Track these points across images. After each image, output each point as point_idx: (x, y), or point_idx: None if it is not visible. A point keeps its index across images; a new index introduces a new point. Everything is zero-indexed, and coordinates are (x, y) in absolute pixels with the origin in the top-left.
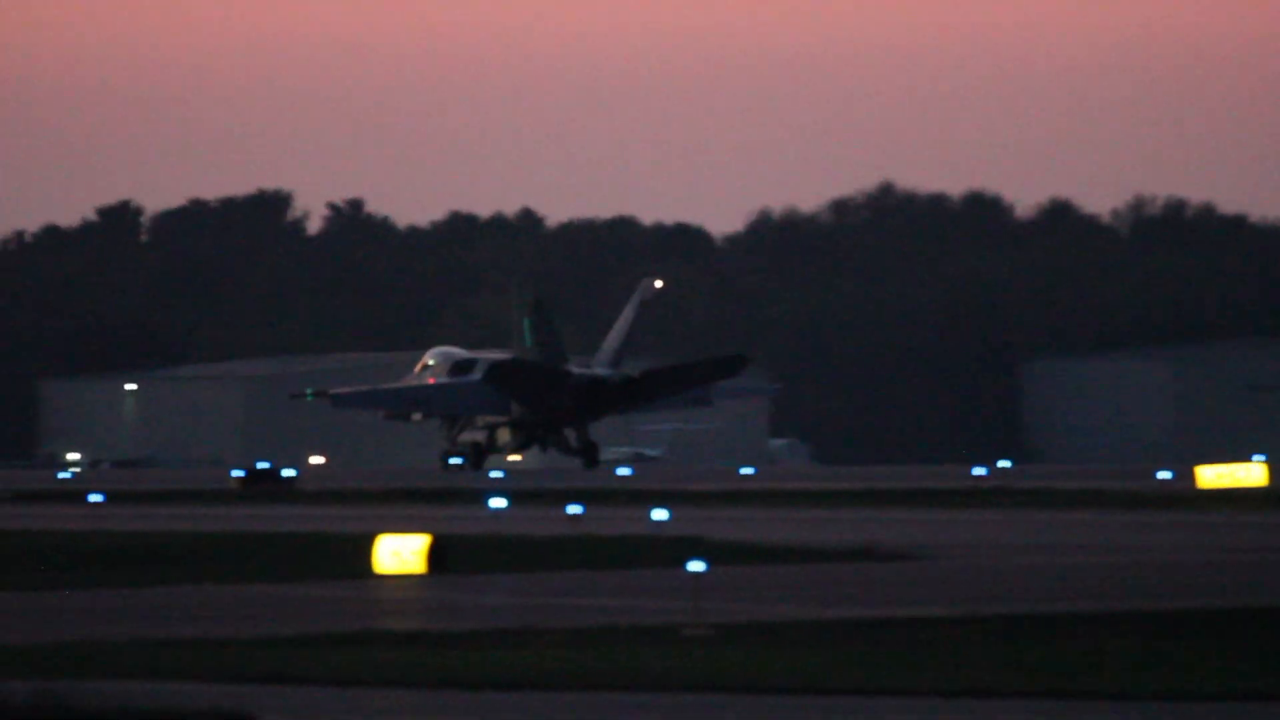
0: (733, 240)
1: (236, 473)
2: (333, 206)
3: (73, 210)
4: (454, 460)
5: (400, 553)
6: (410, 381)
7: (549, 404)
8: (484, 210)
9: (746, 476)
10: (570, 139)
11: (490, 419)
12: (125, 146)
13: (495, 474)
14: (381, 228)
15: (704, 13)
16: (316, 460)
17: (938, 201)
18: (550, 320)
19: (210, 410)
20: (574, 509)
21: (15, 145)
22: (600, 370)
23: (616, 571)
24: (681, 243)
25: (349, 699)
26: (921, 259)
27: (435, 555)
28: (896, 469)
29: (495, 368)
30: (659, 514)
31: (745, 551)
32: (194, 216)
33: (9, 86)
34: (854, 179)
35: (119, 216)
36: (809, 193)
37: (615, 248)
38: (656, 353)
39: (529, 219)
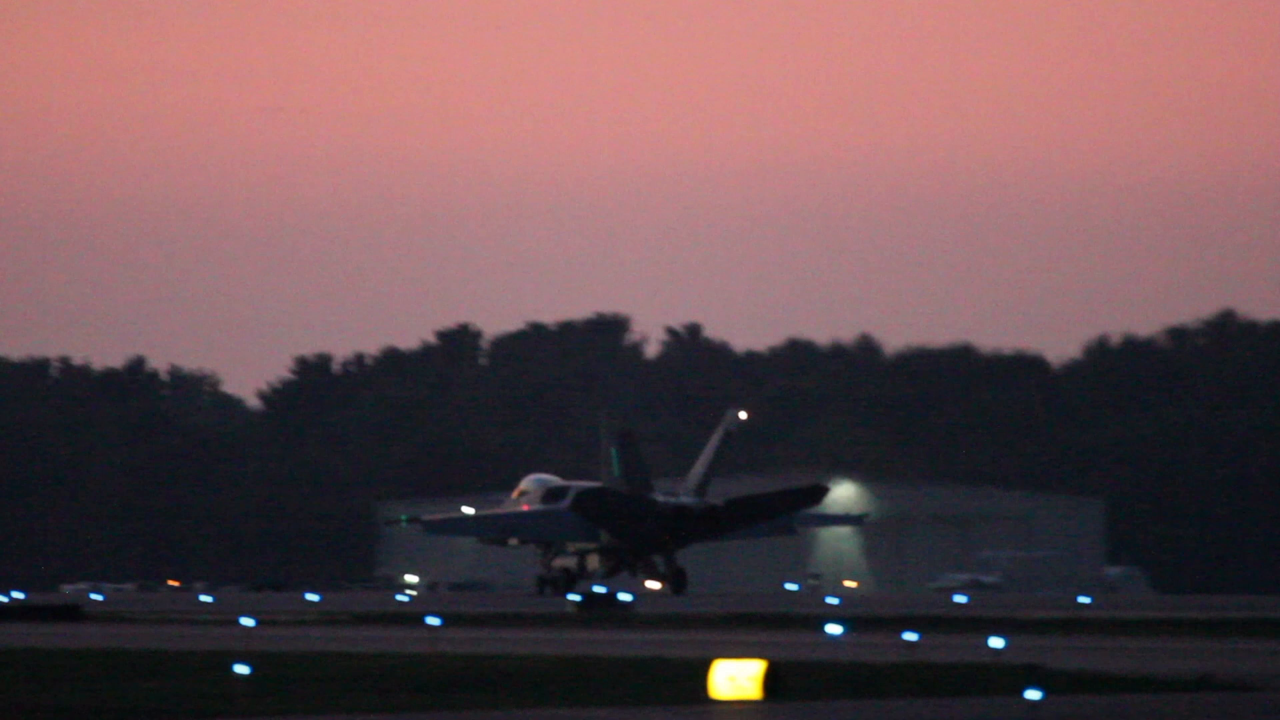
0: (1071, 367)
1: (572, 596)
2: (670, 330)
3: (412, 333)
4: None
5: (736, 678)
6: (506, 508)
7: (635, 531)
8: (821, 337)
9: (1083, 605)
10: (908, 266)
11: (580, 545)
12: (464, 270)
13: (831, 600)
14: (719, 352)
15: (1041, 144)
16: (653, 585)
17: (1278, 329)
18: (637, 450)
19: None
20: (910, 636)
21: (356, 268)
22: (685, 499)
23: (953, 699)
24: (1019, 369)
25: None
26: (1261, 386)
27: (771, 681)
28: (1235, 598)
29: (582, 496)
30: (996, 641)
31: (1083, 680)
32: (532, 339)
33: (351, 211)
34: (1191, 306)
35: (458, 339)
36: (1146, 319)
37: (953, 374)
38: (995, 478)
39: (867, 346)
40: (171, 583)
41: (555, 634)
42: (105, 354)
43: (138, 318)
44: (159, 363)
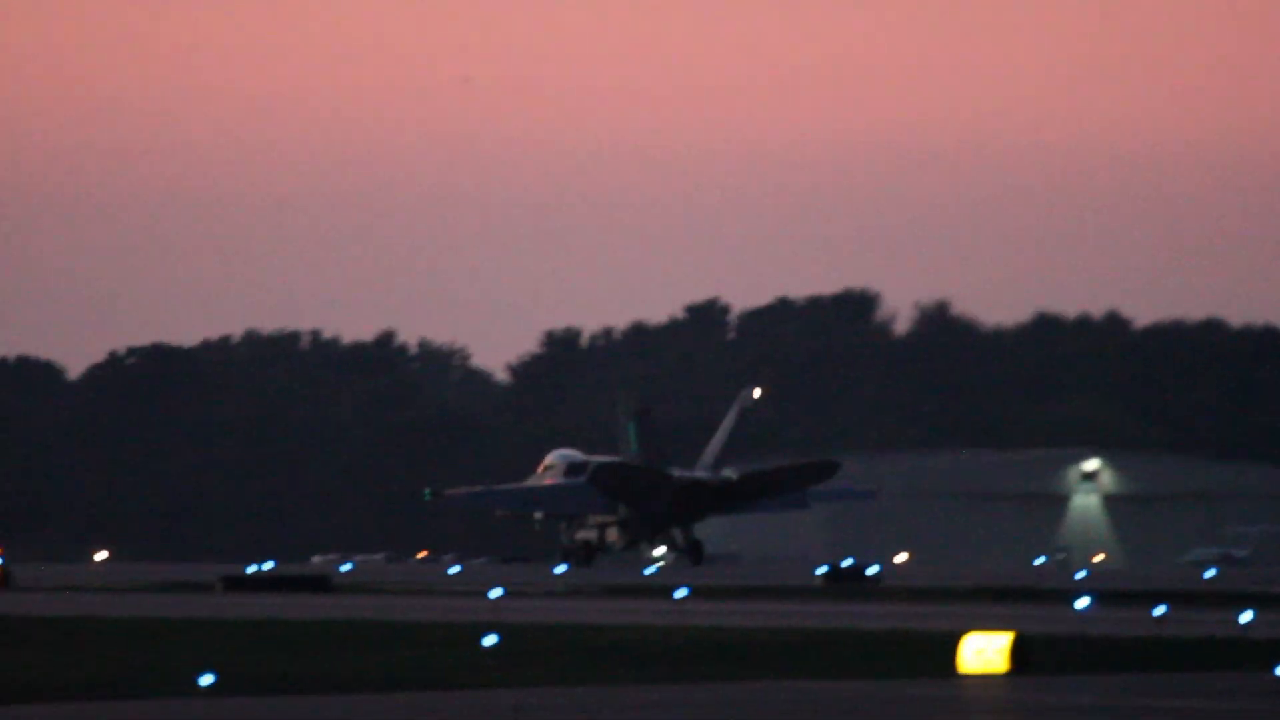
0: None
1: (821, 569)
2: (919, 306)
3: (660, 307)
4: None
5: (984, 651)
6: (531, 483)
7: (652, 504)
8: (1070, 310)
9: None
10: (1158, 239)
11: (600, 519)
12: (714, 244)
13: (1080, 574)
14: (967, 329)
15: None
16: (901, 557)
17: None
18: (654, 426)
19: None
20: (1158, 610)
21: (607, 242)
22: (700, 473)
23: (1201, 674)
24: (1269, 342)
25: None
26: None
27: (1019, 654)
28: None
29: (599, 471)
30: (1245, 616)
31: None
32: (780, 314)
33: (603, 184)
34: None
35: (706, 314)
36: None
37: (1204, 349)
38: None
39: (1115, 321)
40: (420, 554)
41: (802, 606)
42: (355, 327)
43: (388, 291)
44: (408, 336)
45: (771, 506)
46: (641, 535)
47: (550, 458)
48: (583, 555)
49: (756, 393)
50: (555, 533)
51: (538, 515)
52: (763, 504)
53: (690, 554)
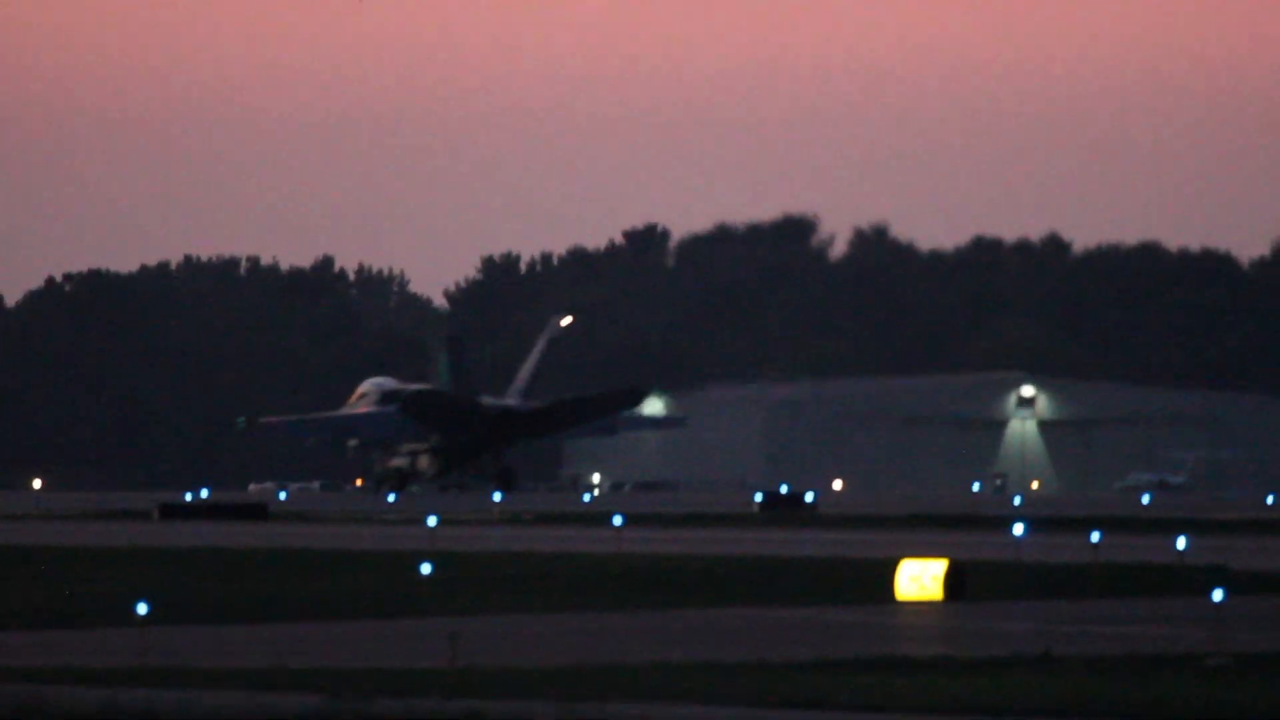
0: (1260, 264)
1: (757, 497)
2: (857, 230)
3: (600, 233)
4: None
5: (920, 578)
6: (345, 411)
7: (463, 432)
8: (1009, 234)
9: (1271, 506)
10: (1097, 163)
11: (412, 446)
12: (652, 170)
13: (1016, 500)
14: (906, 252)
15: (1236, 37)
16: (838, 484)
17: None
18: (465, 356)
19: (733, 433)
20: (1094, 536)
21: (545, 168)
22: (510, 401)
23: (1138, 599)
24: (1208, 267)
25: None
26: None
27: (953, 581)
28: None
29: (410, 398)
30: (1180, 542)
31: (1271, 582)
32: (720, 241)
33: (540, 109)
34: None
35: (646, 240)
36: None
37: (1142, 274)
38: (1183, 378)
39: (1054, 244)
40: (357, 482)
41: (740, 534)
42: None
43: (326, 217)
44: (347, 262)
45: (582, 432)
46: (453, 462)
47: (364, 386)
48: (395, 482)
49: (565, 321)
50: (369, 460)
51: (351, 443)
52: (572, 430)
53: (500, 480)
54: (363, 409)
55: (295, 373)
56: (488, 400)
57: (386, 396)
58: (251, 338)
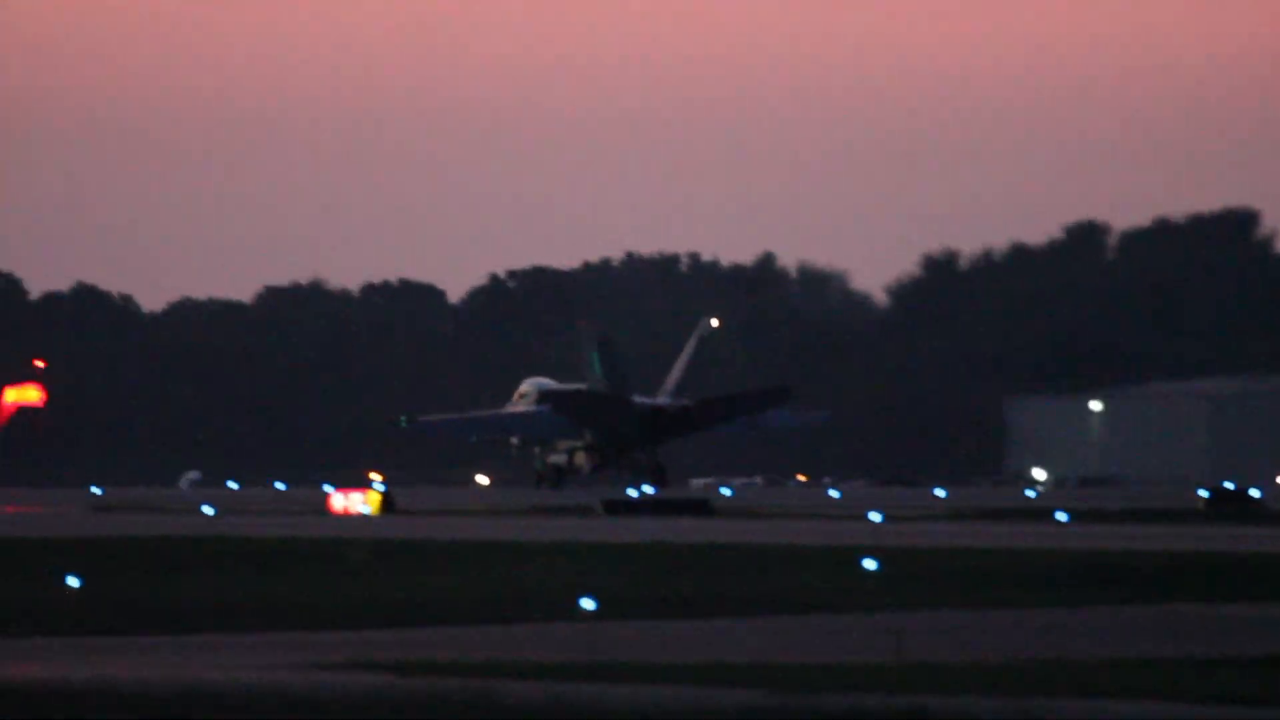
0: None
1: (1202, 492)
2: None
3: (1040, 228)
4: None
5: None
6: (507, 410)
7: (615, 430)
8: None
9: None
10: None
11: (568, 444)
12: (1093, 163)
13: None
14: None
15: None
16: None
17: None
18: (616, 354)
19: (1175, 428)
20: None
21: (986, 162)
22: (660, 400)
23: None
24: None
25: None
26: None
27: None
28: None
29: (560, 397)
30: None
31: None
32: (1161, 234)
33: (983, 104)
34: None
35: (1086, 235)
36: None
37: None
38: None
39: None
40: (800, 477)
41: (1184, 529)
42: (736, 249)
43: (769, 214)
44: (788, 259)
45: (732, 429)
46: (608, 459)
47: (524, 385)
48: (554, 478)
49: (714, 322)
50: (531, 456)
51: (513, 440)
52: (720, 428)
53: (655, 476)
54: (521, 408)
55: (732, 368)
56: (638, 399)
57: (544, 396)
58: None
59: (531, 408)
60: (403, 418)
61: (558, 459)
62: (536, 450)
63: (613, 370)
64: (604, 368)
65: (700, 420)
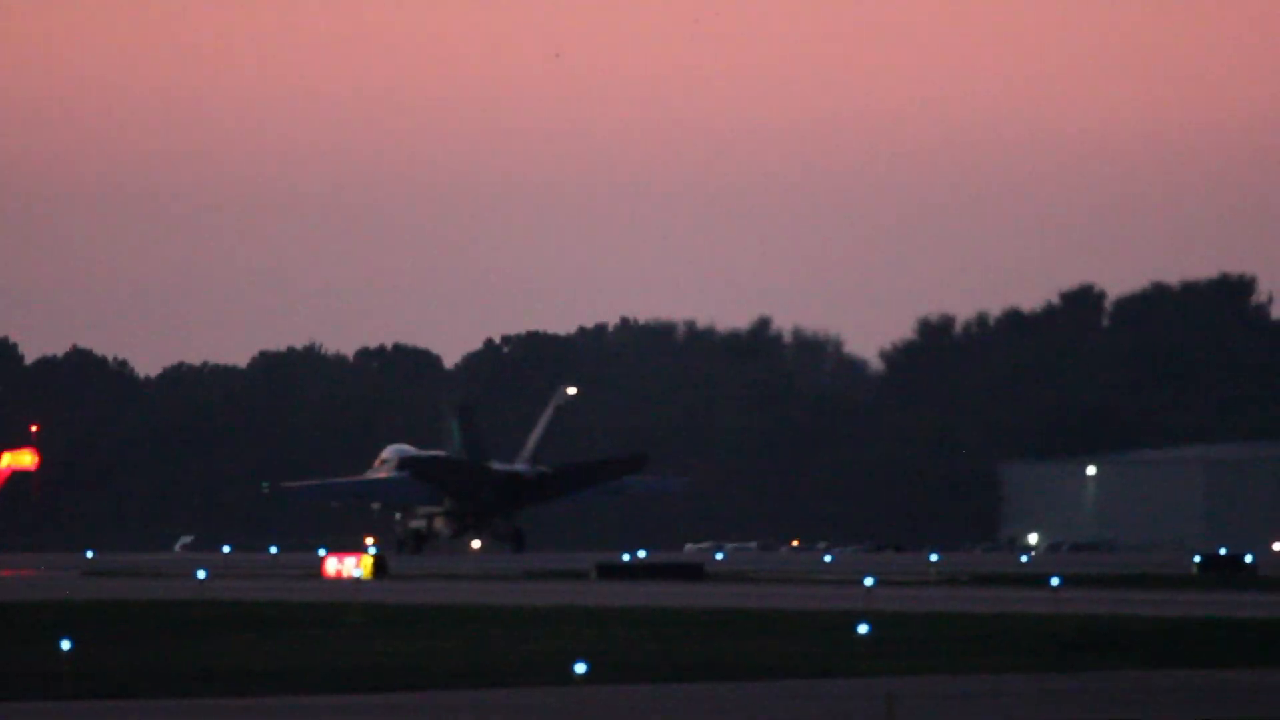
0: None
1: (1196, 558)
2: None
3: (1035, 293)
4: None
5: None
6: (368, 476)
7: (474, 495)
8: None
9: None
10: None
11: (427, 509)
12: (1087, 230)
13: None
14: None
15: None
16: (1278, 547)
17: None
18: (476, 423)
19: (1170, 494)
20: None
21: (979, 228)
22: (519, 466)
23: None
24: None
25: None
26: None
27: None
28: None
29: (419, 463)
30: None
31: None
32: (1156, 300)
33: (979, 171)
34: None
35: (1081, 300)
36: None
37: None
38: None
39: None
40: (793, 543)
41: (1176, 595)
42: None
43: (761, 280)
44: (783, 323)
45: (589, 496)
46: (466, 524)
47: (385, 452)
48: (414, 543)
49: (571, 391)
50: (392, 522)
51: (374, 506)
52: (578, 494)
53: (512, 541)
54: (382, 474)
55: (731, 437)
56: (496, 465)
57: (404, 463)
58: (687, 400)
59: (392, 474)
60: (264, 484)
61: (418, 524)
62: (397, 516)
63: (472, 438)
64: (463, 435)
65: (558, 486)
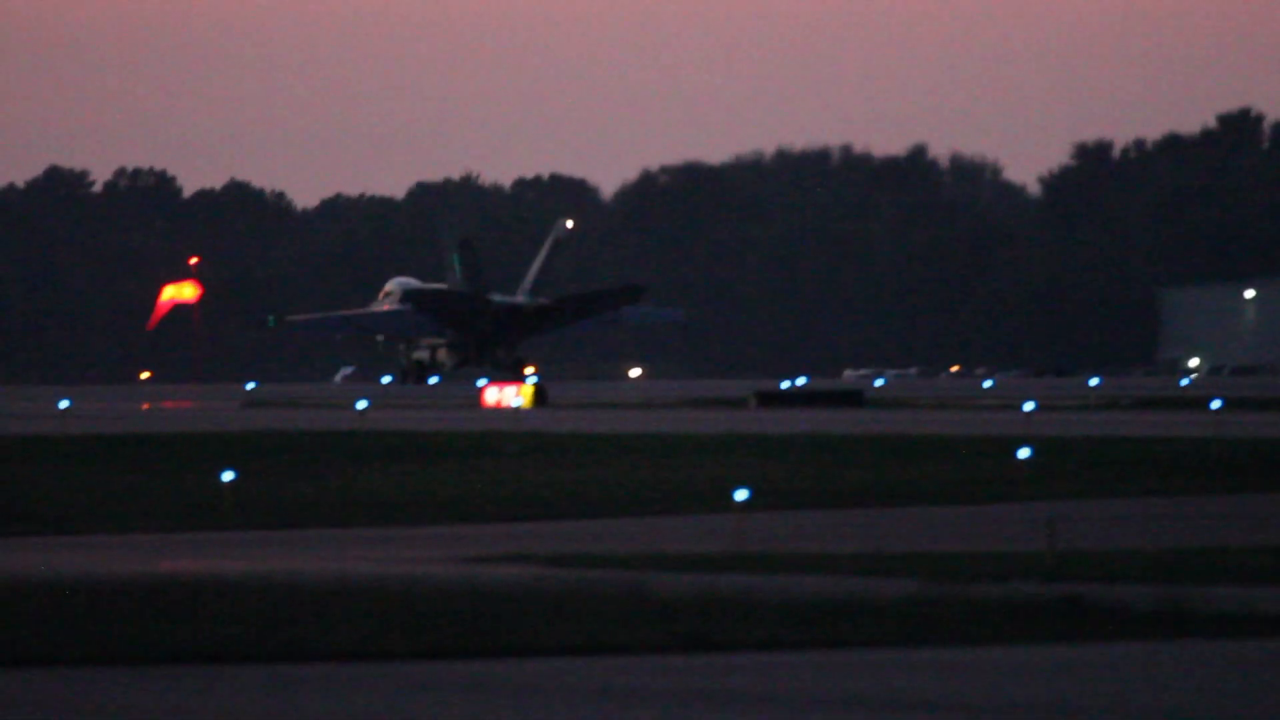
0: None
1: None
2: None
3: (1194, 117)
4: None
5: None
6: (371, 308)
7: (475, 327)
8: None
9: None
10: None
11: (431, 340)
12: (1246, 52)
13: None
14: None
15: None
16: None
17: None
18: (476, 255)
19: None
20: None
21: (1138, 52)
22: (518, 298)
23: None
24: None
25: None
26: None
27: None
28: None
29: (421, 296)
30: None
31: None
32: None
33: None
34: None
35: (1239, 123)
36: None
37: None
38: None
39: None
40: (953, 368)
41: None
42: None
43: (921, 105)
44: (940, 150)
45: (586, 327)
46: (469, 355)
47: (389, 285)
48: (418, 373)
49: (569, 224)
50: (396, 353)
51: (379, 338)
52: (577, 325)
53: (514, 371)
54: (386, 306)
55: (881, 264)
56: (497, 298)
57: (407, 295)
58: (843, 227)
59: (396, 307)
60: (270, 317)
61: (421, 355)
62: (401, 347)
63: (473, 271)
64: (464, 269)
65: (557, 318)
